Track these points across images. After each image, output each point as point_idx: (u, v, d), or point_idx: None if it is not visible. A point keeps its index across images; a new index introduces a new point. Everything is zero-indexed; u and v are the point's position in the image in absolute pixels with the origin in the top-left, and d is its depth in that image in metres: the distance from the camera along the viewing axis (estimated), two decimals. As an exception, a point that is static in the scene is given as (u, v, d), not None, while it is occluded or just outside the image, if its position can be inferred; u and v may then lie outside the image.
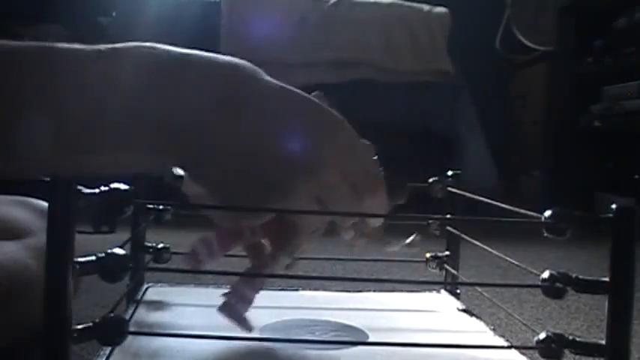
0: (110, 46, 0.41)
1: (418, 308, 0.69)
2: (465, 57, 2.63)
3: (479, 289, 0.75)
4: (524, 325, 0.63)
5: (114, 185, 0.40)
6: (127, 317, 0.60)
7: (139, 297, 0.68)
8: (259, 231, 0.49)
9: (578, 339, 0.46)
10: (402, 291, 0.76)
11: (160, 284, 0.73)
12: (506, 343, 0.60)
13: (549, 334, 0.46)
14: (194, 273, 0.55)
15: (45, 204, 0.39)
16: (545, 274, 0.46)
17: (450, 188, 0.74)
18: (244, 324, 0.48)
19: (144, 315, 0.62)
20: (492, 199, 0.59)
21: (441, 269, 0.75)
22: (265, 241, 0.50)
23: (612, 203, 0.43)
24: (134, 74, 0.41)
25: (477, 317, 0.67)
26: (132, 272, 0.68)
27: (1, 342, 0.59)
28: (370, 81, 2.51)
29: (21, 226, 0.66)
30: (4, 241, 0.64)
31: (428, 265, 0.76)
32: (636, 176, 2.34)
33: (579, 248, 1.54)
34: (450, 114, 2.62)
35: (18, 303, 0.59)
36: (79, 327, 0.40)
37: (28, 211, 0.69)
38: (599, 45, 2.49)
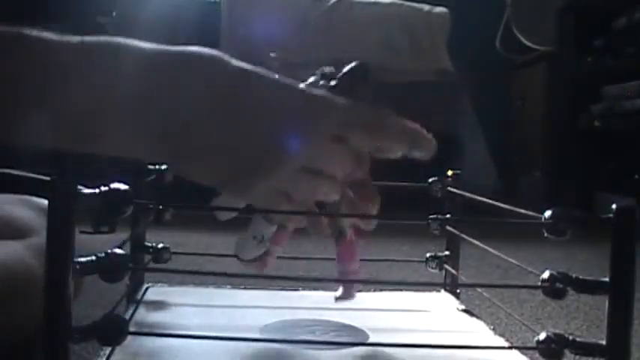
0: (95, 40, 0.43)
1: (418, 308, 0.69)
2: (465, 57, 2.63)
3: (479, 289, 0.75)
4: (524, 325, 0.63)
5: (114, 185, 0.40)
6: (127, 317, 0.60)
7: (139, 297, 0.68)
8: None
9: (578, 339, 0.46)
10: (402, 291, 0.76)
11: (159, 284, 0.73)
12: (506, 343, 0.60)
13: (549, 334, 0.46)
14: (194, 273, 0.55)
15: (47, 203, 0.39)
16: (545, 275, 0.46)
17: (449, 188, 0.74)
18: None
19: (144, 315, 0.62)
20: (492, 199, 0.59)
21: (440, 269, 0.75)
22: None
23: (612, 203, 0.43)
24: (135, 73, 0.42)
25: (477, 317, 0.67)
26: (132, 272, 0.68)
27: (4, 341, 0.59)
28: (370, 81, 2.50)
29: (23, 225, 0.66)
30: (6, 240, 0.64)
31: (428, 265, 0.76)
32: (636, 176, 2.34)
33: (579, 248, 1.54)
34: (450, 114, 2.61)
35: (20, 303, 0.59)
36: (79, 327, 0.40)
37: (30, 210, 0.69)
38: (599, 45, 2.49)
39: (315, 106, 0.45)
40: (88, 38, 0.42)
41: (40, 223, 0.66)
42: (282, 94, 0.45)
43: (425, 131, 0.48)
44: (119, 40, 0.43)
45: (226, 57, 0.44)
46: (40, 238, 0.63)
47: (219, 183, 0.46)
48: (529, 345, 0.50)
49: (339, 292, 0.57)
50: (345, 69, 0.52)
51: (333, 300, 0.67)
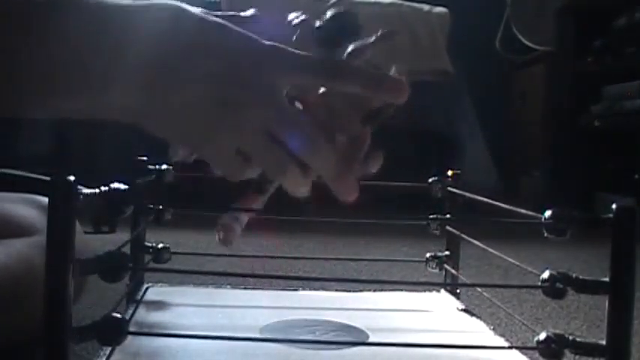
0: None
1: (418, 308, 0.69)
2: (465, 57, 2.63)
3: (479, 289, 0.76)
4: (524, 325, 0.63)
5: (114, 185, 0.40)
6: (127, 317, 0.60)
7: (139, 297, 0.68)
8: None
9: (578, 339, 0.46)
10: (402, 291, 0.76)
11: (160, 284, 0.73)
12: (506, 343, 0.60)
13: (549, 334, 0.46)
14: (194, 273, 0.55)
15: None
16: (546, 274, 0.46)
17: (449, 188, 0.74)
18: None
19: (144, 315, 0.62)
20: (492, 199, 0.59)
21: (440, 269, 0.75)
22: None
23: (612, 203, 0.43)
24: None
25: (477, 317, 0.67)
26: (132, 272, 0.68)
27: (9, 341, 0.59)
28: (370, 81, 2.50)
29: (27, 223, 0.67)
30: (10, 238, 0.64)
31: (428, 265, 0.76)
32: (636, 176, 2.34)
33: (579, 248, 1.54)
34: (450, 114, 2.62)
35: (24, 302, 0.59)
36: (79, 327, 0.40)
37: (34, 208, 0.69)
38: (599, 45, 2.49)
39: (272, 59, 0.44)
40: None
41: (42, 221, 0.66)
42: (243, 48, 0.44)
43: (393, 76, 0.46)
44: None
45: (189, 9, 0.44)
46: (43, 237, 0.63)
47: (177, 135, 0.43)
48: (529, 345, 0.50)
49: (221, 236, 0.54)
50: (329, 14, 0.50)
51: (333, 300, 0.67)
